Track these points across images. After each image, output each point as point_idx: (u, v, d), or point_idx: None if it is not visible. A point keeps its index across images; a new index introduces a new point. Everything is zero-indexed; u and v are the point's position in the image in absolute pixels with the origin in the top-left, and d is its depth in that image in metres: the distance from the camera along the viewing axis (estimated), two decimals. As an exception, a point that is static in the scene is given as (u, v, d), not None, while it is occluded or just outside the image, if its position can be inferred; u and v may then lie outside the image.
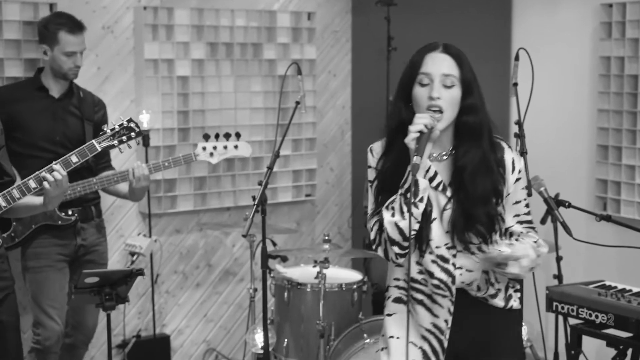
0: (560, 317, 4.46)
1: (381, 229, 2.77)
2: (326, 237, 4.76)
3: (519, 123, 4.16)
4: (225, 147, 4.62)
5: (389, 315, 2.94)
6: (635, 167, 5.09)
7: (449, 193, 2.78)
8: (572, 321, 4.05)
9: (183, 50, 5.45)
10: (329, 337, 4.59)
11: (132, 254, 5.09)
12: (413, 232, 2.73)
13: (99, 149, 3.65)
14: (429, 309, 2.85)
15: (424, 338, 2.86)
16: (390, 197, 2.76)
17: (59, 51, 4.41)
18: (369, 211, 2.86)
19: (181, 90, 5.47)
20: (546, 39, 5.56)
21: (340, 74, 6.25)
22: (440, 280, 2.81)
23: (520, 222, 2.87)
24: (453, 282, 2.81)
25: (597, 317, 3.81)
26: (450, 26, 5.75)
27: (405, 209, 2.69)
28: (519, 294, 2.99)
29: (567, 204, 4.38)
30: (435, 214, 2.79)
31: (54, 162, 3.49)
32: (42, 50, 4.47)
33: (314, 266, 4.70)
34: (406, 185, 2.71)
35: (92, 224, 4.60)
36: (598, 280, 4.19)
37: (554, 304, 4.01)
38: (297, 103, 4.21)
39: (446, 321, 2.84)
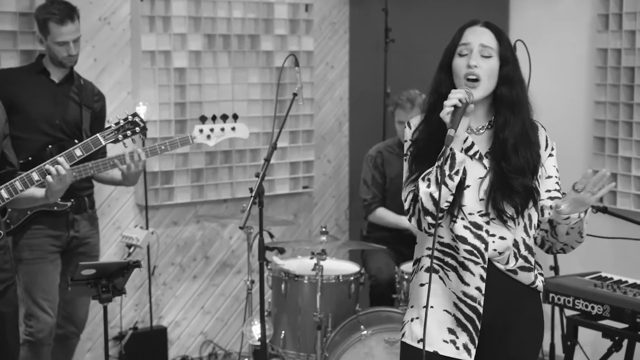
0: (557, 309, 4.48)
1: (415, 199, 2.82)
2: (323, 229, 4.76)
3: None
4: (222, 129, 4.50)
5: (422, 285, 2.95)
6: (631, 159, 5.10)
7: (486, 162, 2.84)
8: (568, 312, 4.06)
9: (180, 41, 5.44)
10: (326, 329, 4.60)
11: (129, 246, 5.09)
12: (447, 204, 2.79)
13: (104, 143, 3.66)
14: (460, 277, 2.86)
15: (456, 306, 2.88)
16: (423, 167, 2.83)
17: (51, 41, 4.38)
18: (404, 183, 2.91)
19: (178, 82, 5.46)
20: (543, 30, 5.56)
21: (338, 66, 6.25)
22: (473, 246, 2.84)
23: (551, 198, 2.91)
24: (486, 249, 2.84)
25: (593, 308, 3.83)
26: (447, 18, 5.74)
27: (441, 179, 2.75)
28: (542, 277, 3.02)
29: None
30: (469, 181, 2.83)
31: (59, 155, 3.49)
32: (39, 39, 4.46)
33: (311, 258, 4.71)
34: (443, 158, 2.77)
35: (85, 216, 4.58)
36: (594, 271, 4.21)
37: (550, 295, 4.02)
38: (295, 95, 4.21)
39: (478, 288, 2.85)
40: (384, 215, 5.21)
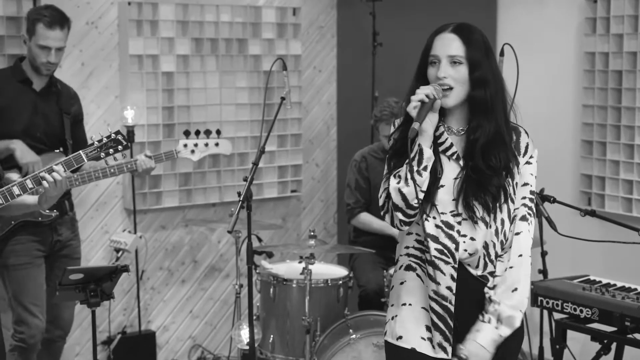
0: (545, 312, 4.47)
1: (388, 196, 2.87)
2: (312, 233, 4.76)
3: (504, 118, 4.16)
4: (206, 145, 4.64)
5: (401, 283, 2.98)
6: (619, 162, 5.11)
7: (462, 162, 2.88)
8: (557, 316, 4.06)
9: (168, 45, 5.43)
10: (315, 333, 4.59)
11: (117, 250, 5.07)
12: (418, 201, 2.81)
13: (86, 161, 3.65)
14: (430, 275, 2.89)
15: (430, 304, 2.91)
16: (398, 166, 2.87)
17: (34, 43, 4.31)
18: (382, 181, 2.95)
19: (166, 86, 5.45)
20: (531, 34, 5.57)
21: (326, 70, 6.25)
22: (444, 245, 2.86)
23: (525, 205, 2.93)
24: (456, 248, 2.86)
25: (581, 311, 3.83)
26: (435, 21, 5.72)
27: (409, 176, 2.79)
28: None
29: (552, 199, 4.39)
30: (444, 181, 2.87)
31: (55, 163, 3.49)
32: (23, 39, 4.39)
33: (300, 262, 4.71)
34: (412, 154, 2.82)
35: (67, 219, 4.56)
36: (583, 275, 4.21)
37: (539, 298, 4.02)
38: (283, 99, 4.21)
39: (449, 288, 2.87)
40: (367, 220, 5.20)
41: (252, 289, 4.07)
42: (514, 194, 2.91)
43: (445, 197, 2.87)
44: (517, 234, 2.91)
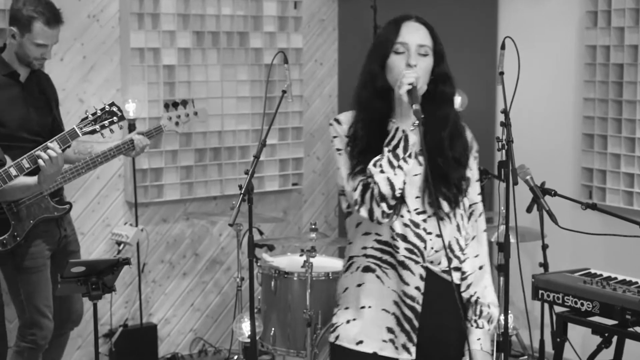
0: (546, 305, 4.48)
1: (366, 188, 2.78)
2: (313, 226, 4.76)
3: (505, 112, 4.16)
4: (187, 115, 4.60)
5: (359, 285, 2.92)
6: (620, 156, 5.11)
7: (421, 159, 2.83)
8: (558, 309, 4.07)
9: (169, 38, 5.43)
10: (316, 326, 4.60)
11: (119, 243, 5.07)
12: (401, 191, 2.77)
13: (81, 135, 3.61)
14: (400, 276, 2.85)
15: (396, 304, 2.86)
16: (368, 160, 2.80)
17: (29, 40, 4.16)
18: (344, 176, 2.86)
19: (167, 79, 5.45)
20: (532, 27, 5.57)
21: (327, 63, 6.24)
22: (413, 244, 2.82)
23: (482, 201, 2.94)
24: (425, 247, 2.83)
25: (582, 304, 3.83)
26: (436, 14, 5.73)
27: (395, 163, 2.74)
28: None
29: (552, 192, 4.40)
30: (409, 173, 2.82)
31: (50, 140, 3.46)
32: (11, 33, 4.19)
33: (301, 255, 4.70)
34: (394, 142, 2.76)
35: (67, 213, 4.55)
36: (583, 268, 4.21)
37: (540, 291, 4.03)
38: (284, 92, 4.20)
39: (418, 288, 2.84)
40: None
41: (253, 282, 4.06)
42: (469, 187, 2.90)
43: (409, 195, 2.83)
44: (484, 230, 2.93)
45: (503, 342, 4.04)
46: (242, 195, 3.87)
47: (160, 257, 5.62)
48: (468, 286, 2.89)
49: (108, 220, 5.41)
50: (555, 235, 4.68)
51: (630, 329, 3.72)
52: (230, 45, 5.64)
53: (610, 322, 3.82)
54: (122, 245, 5.06)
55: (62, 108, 4.79)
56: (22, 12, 4.16)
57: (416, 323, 2.85)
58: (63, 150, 3.58)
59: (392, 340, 2.87)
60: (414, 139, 2.76)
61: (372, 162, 2.77)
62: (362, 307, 2.90)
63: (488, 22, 5.86)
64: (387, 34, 2.86)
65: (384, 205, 2.76)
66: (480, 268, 2.91)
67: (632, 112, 5.06)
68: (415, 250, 2.83)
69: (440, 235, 2.81)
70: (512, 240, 4.14)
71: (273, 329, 4.74)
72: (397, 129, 2.77)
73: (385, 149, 2.76)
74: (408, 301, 2.84)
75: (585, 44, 5.26)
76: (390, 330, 2.87)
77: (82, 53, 5.24)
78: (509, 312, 4.18)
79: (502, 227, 4.19)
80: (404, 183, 2.78)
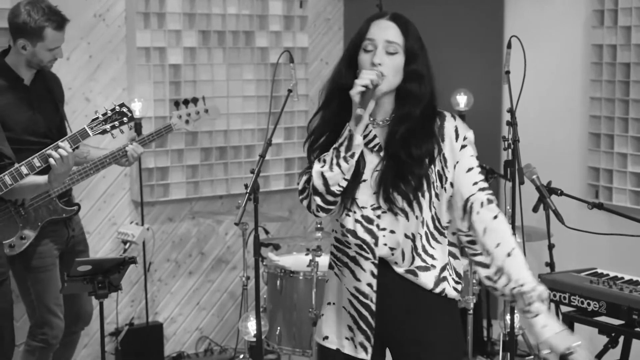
0: (552, 305, 4.47)
1: (307, 181, 2.80)
2: (318, 225, 4.76)
3: (511, 111, 4.17)
4: (197, 113, 4.61)
5: (327, 281, 2.98)
6: (627, 155, 5.10)
7: (382, 154, 2.79)
8: (564, 309, 4.06)
9: (175, 38, 5.44)
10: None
11: (125, 242, 5.07)
12: (339, 188, 2.75)
13: (92, 135, 3.62)
14: (352, 272, 2.84)
15: (351, 303, 2.85)
16: (322, 154, 2.80)
17: (43, 48, 4.15)
18: (303, 170, 2.89)
19: (173, 78, 5.45)
20: (538, 26, 5.56)
21: (333, 62, 6.20)
22: (363, 240, 2.80)
23: (482, 189, 2.79)
24: (376, 243, 2.79)
25: (589, 304, 3.83)
26: (442, 14, 5.75)
27: (335, 161, 2.73)
28: (459, 285, 2.89)
29: (559, 191, 4.39)
30: (366, 174, 2.80)
31: (61, 140, 3.48)
32: (21, 45, 4.14)
33: (307, 254, 4.71)
34: (340, 140, 2.73)
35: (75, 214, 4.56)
36: (590, 267, 4.21)
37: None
38: (289, 91, 4.20)
39: (370, 285, 2.81)
40: None
41: (259, 281, 4.07)
42: (438, 180, 2.78)
43: (366, 191, 2.80)
44: (495, 217, 2.77)
45: (509, 342, 4.05)
46: (248, 194, 3.87)
47: (166, 256, 5.63)
48: (508, 281, 2.71)
49: (114, 219, 5.41)
50: (561, 234, 4.67)
51: (637, 329, 3.71)
52: (236, 45, 5.64)
53: (617, 322, 3.81)
54: (128, 244, 5.06)
55: (69, 107, 4.80)
56: (30, 24, 4.11)
57: (372, 321, 2.83)
58: (73, 150, 3.59)
59: (351, 339, 2.87)
60: (359, 140, 2.72)
61: (321, 156, 2.78)
62: (328, 303, 2.94)
63: (494, 21, 5.85)
64: (359, 31, 2.83)
65: (317, 199, 2.77)
66: (509, 255, 2.72)
67: (638, 111, 5.05)
68: (365, 246, 2.80)
69: (393, 232, 2.78)
70: (519, 239, 4.14)
71: (279, 328, 4.74)
72: (347, 129, 2.73)
73: (335, 145, 2.75)
74: (361, 298, 2.83)
75: (591, 43, 5.25)
76: (349, 328, 2.87)
77: (88, 52, 5.24)
78: (515, 311, 4.17)
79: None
80: (344, 181, 2.74)
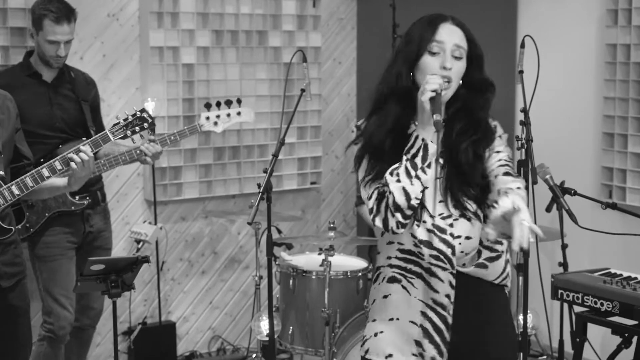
0: (566, 305, 4.46)
1: (381, 197, 2.68)
2: (331, 225, 4.76)
3: (525, 111, 4.15)
4: (228, 115, 4.55)
5: (385, 297, 2.82)
6: (641, 155, 5.08)
7: (441, 161, 2.70)
8: (577, 309, 4.05)
9: (188, 37, 5.45)
10: (334, 325, 4.60)
11: (138, 241, 5.10)
12: (418, 201, 2.66)
13: (113, 139, 3.67)
14: (427, 283, 2.74)
15: (424, 315, 2.75)
16: (382, 164, 2.70)
17: (42, 38, 4.30)
18: (364, 182, 2.77)
19: (186, 77, 5.46)
20: (552, 26, 5.55)
21: (346, 62, 6.24)
22: (439, 250, 2.71)
23: (503, 165, 2.70)
24: (453, 253, 2.71)
25: (602, 304, 3.82)
26: (455, 13, 5.72)
27: (413, 173, 2.63)
28: (509, 269, 2.86)
29: (572, 191, 4.38)
30: (427, 183, 2.69)
31: (83, 143, 3.51)
32: (29, 33, 4.40)
33: (319, 254, 4.71)
34: (413, 151, 2.65)
35: (99, 210, 4.60)
36: (603, 268, 4.19)
37: (559, 291, 4.01)
38: (303, 91, 4.21)
39: (448, 296, 2.73)
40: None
41: (271, 280, 4.08)
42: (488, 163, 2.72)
43: (431, 199, 2.71)
44: (519, 188, 2.63)
45: (522, 342, 4.04)
46: (260, 193, 3.88)
47: (179, 255, 5.64)
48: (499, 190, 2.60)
49: (127, 219, 5.43)
50: (575, 234, 4.66)
51: (651, 329, 3.70)
52: (249, 44, 5.65)
53: (630, 322, 3.80)
54: (141, 244, 5.08)
55: (82, 106, 4.82)
56: (35, 12, 4.32)
57: (447, 335, 2.74)
58: (95, 154, 3.65)
59: (420, 354, 2.76)
60: (434, 148, 2.64)
61: (389, 170, 2.67)
62: (390, 319, 2.80)
63: (507, 21, 5.84)
64: (422, 33, 2.74)
65: (398, 215, 2.65)
66: (512, 188, 2.60)
67: (652, 111, 5.03)
68: (442, 257, 2.71)
69: (469, 237, 2.72)
70: (532, 239, 4.13)
71: (291, 327, 4.75)
72: (417, 137, 2.66)
73: (404, 157, 2.66)
74: (439, 310, 2.74)
75: (605, 43, 5.23)
76: (418, 343, 2.76)
77: (102, 51, 5.26)
78: (528, 311, 4.16)
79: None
80: (422, 192, 2.66)
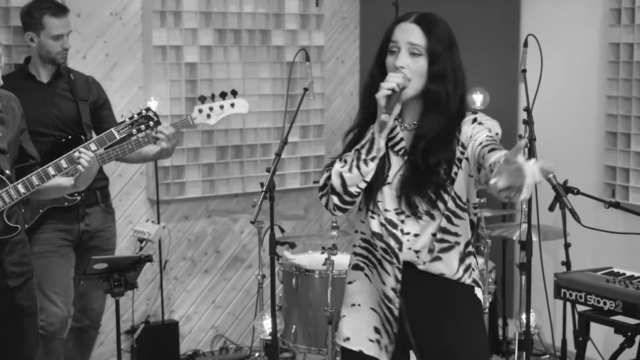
0: (568, 304, 4.47)
1: (328, 178, 2.81)
2: (334, 224, 4.76)
3: (528, 110, 4.15)
4: (221, 107, 4.48)
5: (350, 283, 2.93)
6: (644, 154, 5.08)
7: (406, 158, 2.78)
8: (580, 308, 4.05)
9: (191, 36, 5.45)
10: (337, 324, 4.59)
11: (141, 240, 5.10)
12: (358, 190, 2.77)
13: (118, 138, 3.69)
14: (379, 274, 2.83)
15: (379, 304, 2.84)
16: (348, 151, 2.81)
17: (46, 36, 4.40)
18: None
19: (189, 76, 5.46)
20: (555, 25, 5.55)
21: (349, 61, 6.24)
22: (387, 244, 2.78)
23: (485, 146, 2.62)
24: (400, 248, 2.77)
25: (605, 303, 3.82)
26: (458, 12, 5.73)
27: (355, 163, 2.74)
28: (476, 272, 2.87)
29: (575, 190, 4.38)
30: (391, 177, 2.79)
31: (89, 142, 3.54)
32: (29, 38, 4.46)
33: (322, 252, 4.71)
34: (362, 142, 2.76)
35: (97, 209, 4.59)
36: (606, 267, 4.19)
37: (562, 290, 4.01)
38: (305, 90, 4.21)
39: (394, 289, 2.79)
40: None
41: (274, 279, 4.08)
42: (456, 167, 2.71)
43: (389, 194, 2.79)
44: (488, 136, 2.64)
45: (525, 341, 4.04)
46: (263, 192, 3.88)
47: (181, 254, 5.64)
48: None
49: (130, 218, 5.43)
50: (577, 233, 4.66)
51: (654, 329, 3.70)
52: (252, 43, 5.65)
53: (633, 321, 3.80)
54: (144, 243, 5.08)
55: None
56: (30, 14, 4.45)
57: (395, 327, 2.81)
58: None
59: (378, 341, 2.85)
60: (381, 144, 2.72)
61: (343, 155, 2.80)
62: (352, 305, 2.90)
63: (510, 20, 5.83)
64: (386, 34, 2.83)
65: (335, 198, 2.79)
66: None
67: (655, 110, 5.03)
68: (389, 251, 2.79)
69: (418, 235, 2.76)
70: (535, 238, 4.13)
71: (294, 326, 4.75)
72: (370, 131, 2.75)
73: (357, 146, 2.77)
74: (386, 302, 2.82)
75: (608, 42, 5.23)
76: (377, 330, 2.85)
77: (104, 50, 5.26)
78: (531, 310, 4.16)
79: (525, 226, 4.18)
80: (364, 183, 2.75)
